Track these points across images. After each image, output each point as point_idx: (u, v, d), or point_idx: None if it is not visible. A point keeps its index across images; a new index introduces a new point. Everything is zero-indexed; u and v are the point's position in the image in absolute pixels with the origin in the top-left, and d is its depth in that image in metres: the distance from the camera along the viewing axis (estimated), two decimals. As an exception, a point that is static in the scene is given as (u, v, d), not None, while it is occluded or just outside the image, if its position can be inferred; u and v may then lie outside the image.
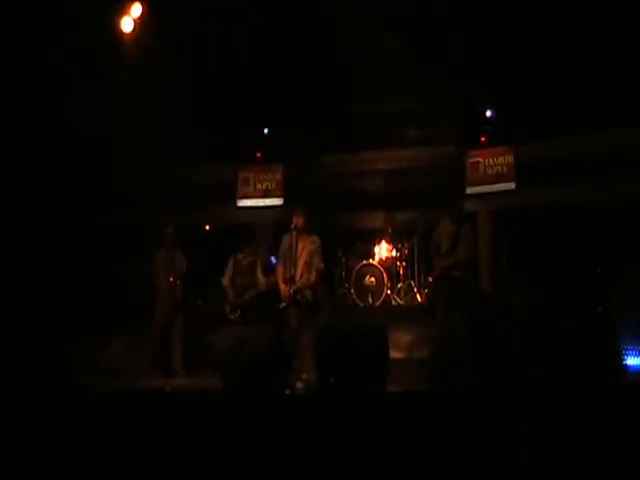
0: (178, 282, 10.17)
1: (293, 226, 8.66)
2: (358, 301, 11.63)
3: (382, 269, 11.63)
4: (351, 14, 12.03)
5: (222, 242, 11.53)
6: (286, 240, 8.76)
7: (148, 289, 10.34)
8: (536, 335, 8.10)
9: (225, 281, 9.77)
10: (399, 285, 11.81)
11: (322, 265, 8.66)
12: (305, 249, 8.67)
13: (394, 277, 11.81)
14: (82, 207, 11.62)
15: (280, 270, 8.74)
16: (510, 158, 11.37)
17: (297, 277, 8.58)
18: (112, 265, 11.24)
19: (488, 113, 11.82)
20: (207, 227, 12.90)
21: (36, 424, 6.02)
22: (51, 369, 8.29)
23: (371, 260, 11.88)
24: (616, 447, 5.39)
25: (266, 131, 12.68)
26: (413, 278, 11.89)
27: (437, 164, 12.31)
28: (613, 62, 10.49)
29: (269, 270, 9.91)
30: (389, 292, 11.59)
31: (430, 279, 11.38)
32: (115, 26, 10.48)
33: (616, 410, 5.77)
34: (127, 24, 10.74)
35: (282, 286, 8.62)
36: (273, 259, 10.74)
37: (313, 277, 8.61)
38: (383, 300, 11.52)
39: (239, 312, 9.50)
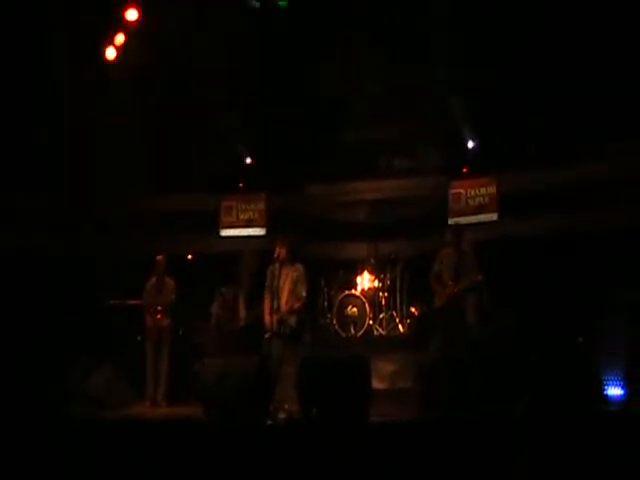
0: (167, 311, 10.21)
1: (276, 256, 8.73)
2: (340, 331, 11.67)
3: (364, 299, 11.69)
4: (335, 45, 12.23)
5: (205, 271, 11.68)
6: (270, 271, 8.83)
7: (136, 317, 10.40)
8: (518, 365, 8.16)
9: (212, 311, 9.89)
10: (381, 315, 11.86)
11: (304, 293, 8.73)
12: (289, 278, 8.75)
13: (376, 307, 11.86)
14: (68, 235, 11.62)
15: (266, 301, 8.79)
16: (492, 189, 11.49)
17: (282, 307, 8.66)
18: (98, 293, 11.19)
19: (470, 144, 11.93)
20: (189, 256, 12.91)
21: (20, 454, 6.01)
22: (35, 398, 8.27)
23: (353, 290, 11.95)
24: (598, 476, 5.46)
25: (249, 161, 12.78)
26: (395, 308, 11.95)
27: (420, 195, 12.48)
28: (596, 94, 10.59)
29: (253, 302, 10.04)
30: (371, 322, 11.63)
31: (413, 310, 11.60)
32: (99, 54, 10.63)
33: (596, 440, 5.84)
34: (110, 52, 10.89)
35: (267, 317, 8.70)
36: None
37: (297, 304, 8.69)
38: (365, 330, 11.55)
39: (220, 344, 9.59)
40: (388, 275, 12.04)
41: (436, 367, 8.20)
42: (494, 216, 11.46)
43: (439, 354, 8.90)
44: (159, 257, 10.44)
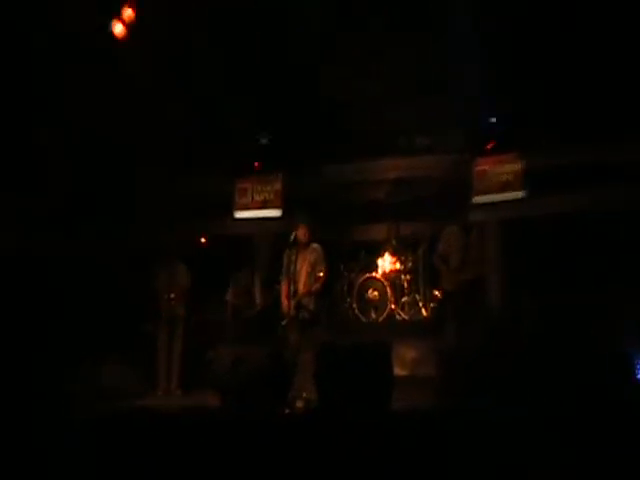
0: (181, 298, 10.18)
1: (293, 239, 8.73)
2: (361, 316, 11.69)
3: (386, 282, 11.69)
4: (353, 21, 12.05)
5: (220, 255, 11.65)
6: (287, 255, 8.85)
7: (149, 305, 10.38)
8: (548, 350, 8.02)
9: (227, 297, 9.90)
10: (403, 299, 11.84)
11: (322, 273, 8.71)
12: (306, 261, 8.76)
13: (398, 291, 11.85)
14: (78, 221, 11.48)
15: (283, 286, 8.85)
16: (518, 166, 11.22)
17: (299, 291, 8.68)
18: (109, 280, 11.11)
19: (494, 119, 11.72)
20: (203, 240, 12.83)
21: (30, 446, 5.95)
22: (46, 389, 8.25)
23: (374, 273, 11.93)
24: (629, 463, 5.34)
25: (264, 140, 12.65)
26: (418, 292, 11.94)
27: (442, 173, 12.28)
28: (629, 65, 10.38)
29: (269, 286, 10.13)
30: (393, 306, 11.62)
31: (437, 293, 11.48)
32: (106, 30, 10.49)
33: (628, 424, 5.72)
34: (118, 28, 10.75)
35: (284, 302, 8.72)
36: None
37: (315, 285, 8.69)
38: (387, 315, 11.55)
39: (235, 331, 9.64)
40: (410, 257, 12.03)
41: (451, 354, 8.07)
42: (519, 194, 11.18)
43: (454, 341, 8.78)
44: (172, 242, 10.47)
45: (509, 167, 11.36)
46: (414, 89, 12.16)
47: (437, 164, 12.36)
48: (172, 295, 10.12)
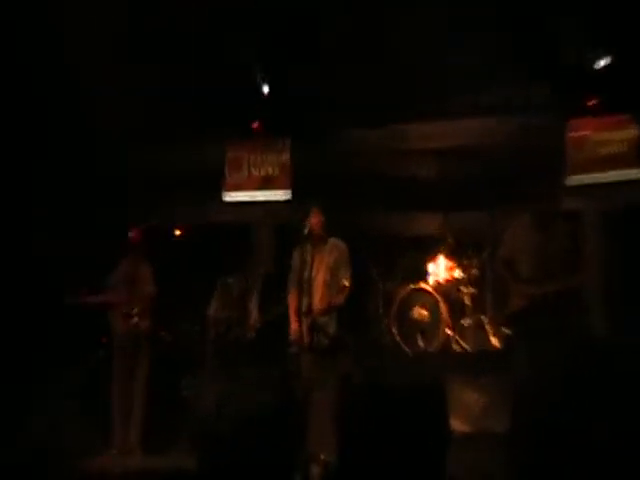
0: (145, 310, 10.15)
1: (307, 232, 8.69)
2: (403, 344, 11.59)
3: (439, 297, 11.58)
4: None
5: (201, 253, 11.93)
6: (298, 254, 8.83)
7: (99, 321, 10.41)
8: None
9: (210, 311, 10.22)
10: (464, 321, 11.67)
11: (347, 282, 8.68)
12: (324, 263, 8.75)
13: (457, 309, 11.73)
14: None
15: (291, 299, 8.85)
16: (634, 132, 11.04)
17: (315, 306, 8.64)
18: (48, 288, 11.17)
19: (600, 63, 11.36)
20: (177, 231, 13.18)
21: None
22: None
23: (422, 284, 11.83)
24: None
25: (267, 90, 12.35)
26: (485, 311, 11.77)
27: (519, 141, 12.06)
28: None
29: (271, 298, 10.18)
30: (449, 331, 11.50)
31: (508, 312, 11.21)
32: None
33: None
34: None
35: (293, 323, 8.68)
36: None
37: (337, 299, 8.67)
38: (441, 343, 11.44)
39: (221, 358, 9.85)
40: (474, 261, 11.91)
41: (521, 397, 7.85)
42: (635, 173, 11.02)
43: (527, 379, 8.50)
44: (132, 233, 10.44)
45: (620, 134, 11.23)
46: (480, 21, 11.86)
47: (513, 129, 12.17)
48: (134, 309, 10.11)
